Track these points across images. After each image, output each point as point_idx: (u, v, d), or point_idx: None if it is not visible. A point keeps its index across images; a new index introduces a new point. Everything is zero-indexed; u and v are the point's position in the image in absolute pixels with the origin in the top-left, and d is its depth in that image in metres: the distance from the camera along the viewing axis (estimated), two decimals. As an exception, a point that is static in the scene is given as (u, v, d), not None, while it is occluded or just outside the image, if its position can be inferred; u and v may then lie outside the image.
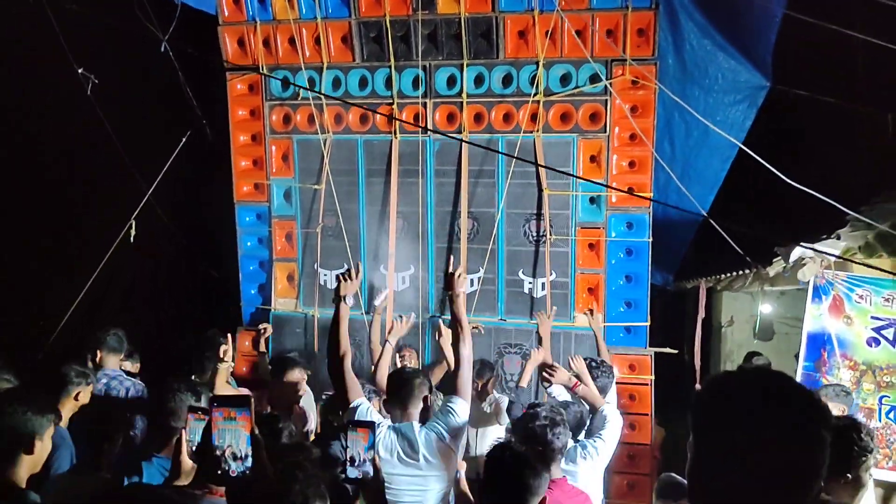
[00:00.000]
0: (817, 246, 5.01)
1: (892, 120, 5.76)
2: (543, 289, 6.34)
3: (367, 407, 3.75)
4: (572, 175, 6.03)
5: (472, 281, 6.44)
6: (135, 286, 8.30)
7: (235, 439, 2.11)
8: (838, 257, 5.05)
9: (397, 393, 3.77)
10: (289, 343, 6.83)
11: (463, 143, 6.26)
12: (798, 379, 5.71)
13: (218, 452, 2.11)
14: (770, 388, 1.42)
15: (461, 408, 3.72)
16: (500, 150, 6.18)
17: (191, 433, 2.41)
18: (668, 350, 6.42)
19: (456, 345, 3.88)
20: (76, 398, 4.27)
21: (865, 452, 3.22)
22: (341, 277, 4.03)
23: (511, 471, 2.73)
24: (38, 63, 6.07)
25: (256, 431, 2.14)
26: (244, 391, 5.14)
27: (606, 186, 5.98)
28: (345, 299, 3.98)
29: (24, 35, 5.74)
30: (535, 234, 6.37)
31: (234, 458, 2.10)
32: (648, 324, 6.30)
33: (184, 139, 6.80)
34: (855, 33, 4.60)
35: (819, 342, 5.61)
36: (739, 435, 1.38)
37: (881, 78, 5.48)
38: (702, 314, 7.36)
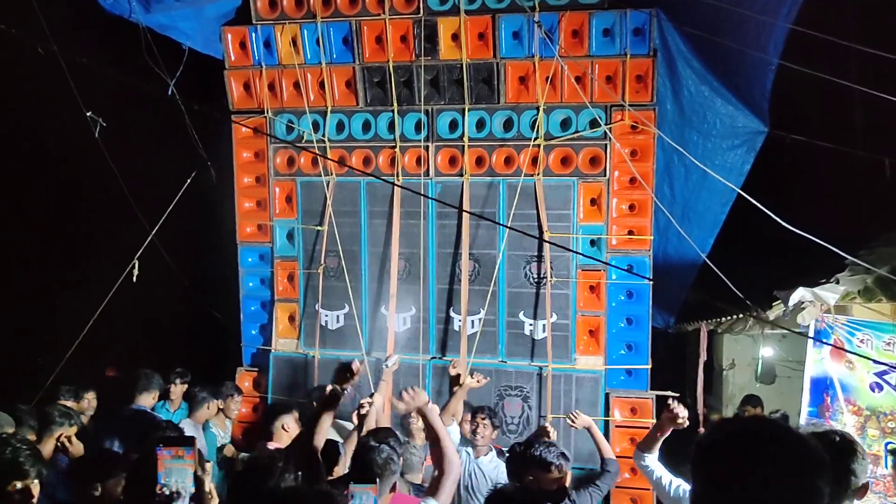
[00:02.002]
0: (816, 290, 5.02)
1: (889, 164, 5.82)
2: (544, 331, 6.35)
3: None
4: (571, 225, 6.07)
5: (472, 322, 6.45)
6: (136, 326, 8.28)
7: (182, 477, 2.23)
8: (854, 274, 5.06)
9: (362, 469, 3.35)
10: (289, 384, 6.81)
11: (464, 186, 6.33)
12: (801, 424, 5.71)
13: (165, 490, 2.23)
14: (762, 440, 1.43)
15: None
16: (500, 196, 6.23)
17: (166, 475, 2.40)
18: (669, 393, 6.38)
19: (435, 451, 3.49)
20: (59, 439, 4.27)
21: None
22: (338, 380, 3.84)
23: None
24: (47, 106, 6.17)
25: (199, 472, 2.27)
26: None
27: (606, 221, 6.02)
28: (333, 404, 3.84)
29: (36, 80, 5.86)
30: (535, 275, 6.39)
31: (180, 495, 2.22)
32: (650, 367, 6.29)
33: (188, 180, 6.85)
34: (849, 83, 4.68)
35: (822, 387, 5.59)
36: (735, 489, 1.40)
37: (878, 123, 5.55)
38: (703, 357, 7.33)
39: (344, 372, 4.05)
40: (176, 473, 2.21)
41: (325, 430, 3.97)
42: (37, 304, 8.78)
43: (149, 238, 6.88)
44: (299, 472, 3.03)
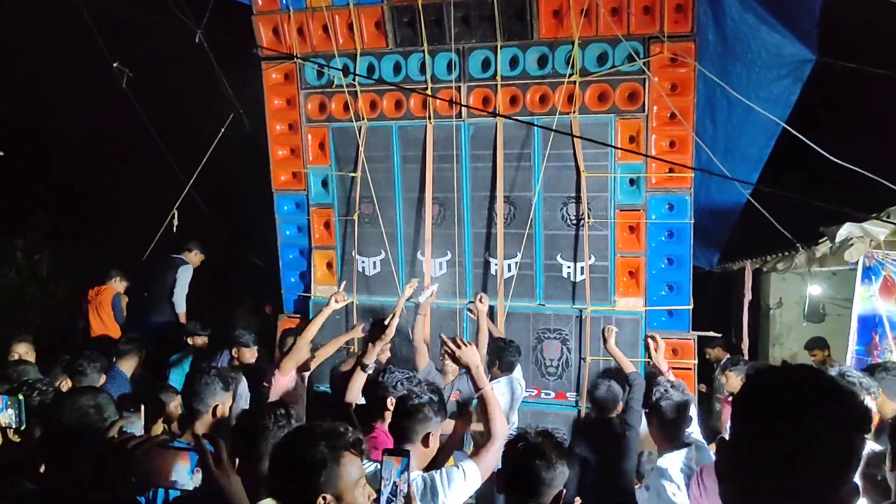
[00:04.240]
0: (865, 225, 4.81)
1: (947, 91, 5.49)
2: (582, 273, 6.25)
3: None
4: (610, 146, 5.89)
5: (509, 266, 6.39)
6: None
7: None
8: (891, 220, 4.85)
9: (398, 423, 3.20)
10: (329, 329, 6.85)
11: (498, 127, 6.19)
12: (848, 363, 5.57)
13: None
14: (804, 393, 1.38)
15: (472, 478, 3.03)
16: (534, 124, 6.05)
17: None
18: (711, 333, 6.28)
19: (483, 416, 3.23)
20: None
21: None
22: (370, 338, 4.03)
23: (524, 462, 2.68)
24: (73, 58, 6.19)
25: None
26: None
27: (646, 156, 5.84)
28: (365, 367, 4.01)
29: (60, 32, 5.86)
30: (573, 217, 6.27)
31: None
32: (691, 307, 6.16)
33: (222, 130, 6.85)
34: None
35: (870, 325, 5.43)
36: (771, 441, 1.38)
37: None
38: (748, 296, 7.18)
39: (378, 329, 4.13)
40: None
41: (358, 389, 4.02)
42: (78, 259, 8.99)
43: (186, 188, 6.94)
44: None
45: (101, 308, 7.68)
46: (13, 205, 8.42)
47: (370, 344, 4.15)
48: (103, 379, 5.00)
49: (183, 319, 7.68)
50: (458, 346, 3.24)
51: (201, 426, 3.33)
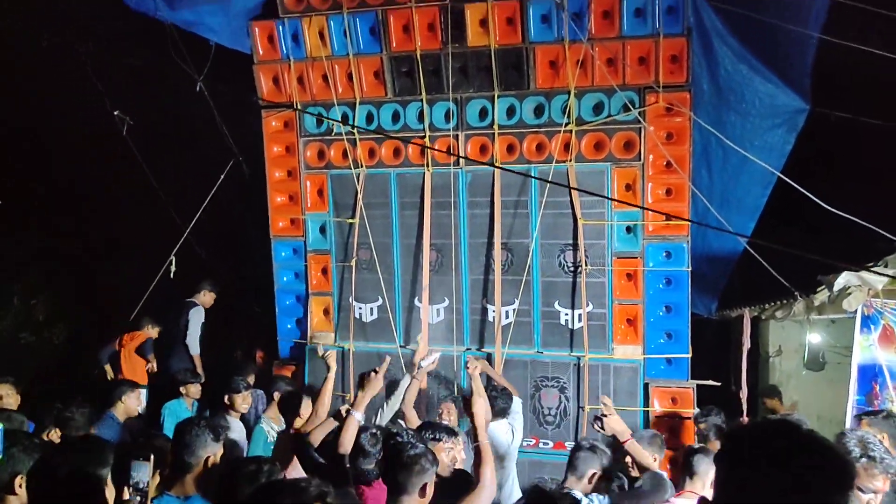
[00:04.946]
0: (862, 274, 4.81)
1: (940, 141, 5.54)
2: (580, 320, 6.23)
3: None
4: (606, 197, 5.93)
5: (507, 313, 6.36)
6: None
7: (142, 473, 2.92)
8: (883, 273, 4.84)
9: (392, 471, 3.19)
10: (326, 377, 6.80)
11: (495, 175, 6.23)
12: (849, 413, 5.51)
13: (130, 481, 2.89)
14: (784, 448, 1.37)
15: None
16: (532, 175, 6.10)
17: (134, 471, 2.94)
18: (710, 382, 6.21)
19: (476, 467, 3.50)
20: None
21: None
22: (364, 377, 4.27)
23: None
24: (76, 106, 6.25)
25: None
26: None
27: (642, 207, 5.87)
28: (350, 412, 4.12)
29: (62, 80, 5.92)
30: (570, 264, 6.27)
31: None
32: (690, 355, 6.12)
33: (221, 176, 6.89)
34: (893, 55, 4.44)
35: (870, 374, 5.38)
36: (754, 494, 1.36)
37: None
38: (747, 344, 7.11)
39: (366, 380, 4.19)
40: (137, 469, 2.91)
41: (351, 438, 4.00)
42: (72, 303, 8.96)
43: (184, 235, 6.95)
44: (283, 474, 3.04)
45: (133, 353, 7.75)
46: (10, 249, 8.42)
47: (360, 393, 4.16)
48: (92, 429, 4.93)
49: (198, 361, 7.64)
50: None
51: (191, 479, 3.27)
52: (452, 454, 3.93)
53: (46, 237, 8.73)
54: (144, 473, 2.92)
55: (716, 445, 4.70)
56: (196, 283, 7.85)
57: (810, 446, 1.37)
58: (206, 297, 7.95)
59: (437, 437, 3.92)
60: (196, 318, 7.78)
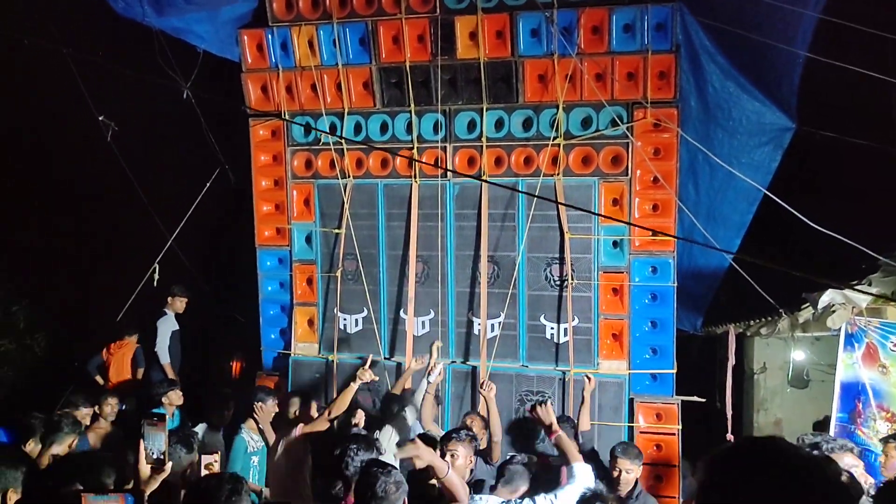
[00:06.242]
0: (847, 292, 4.82)
1: (925, 161, 5.58)
2: (566, 334, 6.21)
3: None
4: (593, 213, 5.93)
5: (492, 326, 6.33)
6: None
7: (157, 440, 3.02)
8: (869, 292, 4.86)
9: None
10: (309, 388, 6.74)
11: (483, 187, 6.21)
12: (832, 431, 5.51)
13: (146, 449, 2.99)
14: (767, 468, 1.34)
15: None
16: (519, 190, 6.11)
17: (147, 440, 3.00)
18: (695, 399, 6.20)
19: None
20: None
21: None
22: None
23: None
24: (60, 111, 6.19)
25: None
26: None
27: (628, 223, 5.87)
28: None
29: (47, 84, 5.86)
30: (556, 278, 6.26)
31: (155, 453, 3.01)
32: (675, 371, 6.11)
33: (207, 184, 6.84)
34: (881, 76, 4.47)
35: (853, 392, 5.39)
36: None
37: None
38: (731, 361, 7.12)
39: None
40: (152, 437, 3.00)
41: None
42: (56, 310, 8.85)
43: (168, 243, 6.88)
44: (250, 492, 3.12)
45: (121, 361, 7.69)
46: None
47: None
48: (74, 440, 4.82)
49: (169, 370, 7.55)
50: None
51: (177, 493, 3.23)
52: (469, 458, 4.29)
53: (28, 244, 8.63)
54: (160, 441, 3.02)
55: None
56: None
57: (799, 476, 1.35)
58: (177, 303, 7.86)
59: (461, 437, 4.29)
60: (163, 328, 7.70)
